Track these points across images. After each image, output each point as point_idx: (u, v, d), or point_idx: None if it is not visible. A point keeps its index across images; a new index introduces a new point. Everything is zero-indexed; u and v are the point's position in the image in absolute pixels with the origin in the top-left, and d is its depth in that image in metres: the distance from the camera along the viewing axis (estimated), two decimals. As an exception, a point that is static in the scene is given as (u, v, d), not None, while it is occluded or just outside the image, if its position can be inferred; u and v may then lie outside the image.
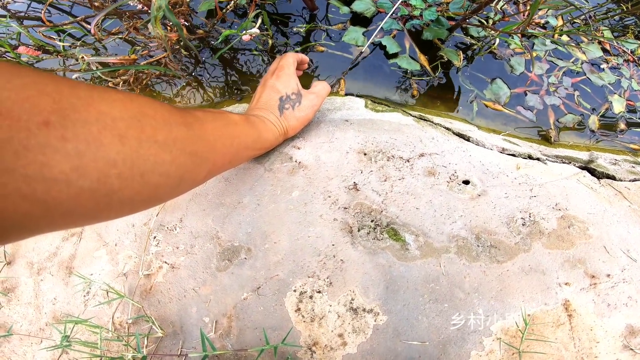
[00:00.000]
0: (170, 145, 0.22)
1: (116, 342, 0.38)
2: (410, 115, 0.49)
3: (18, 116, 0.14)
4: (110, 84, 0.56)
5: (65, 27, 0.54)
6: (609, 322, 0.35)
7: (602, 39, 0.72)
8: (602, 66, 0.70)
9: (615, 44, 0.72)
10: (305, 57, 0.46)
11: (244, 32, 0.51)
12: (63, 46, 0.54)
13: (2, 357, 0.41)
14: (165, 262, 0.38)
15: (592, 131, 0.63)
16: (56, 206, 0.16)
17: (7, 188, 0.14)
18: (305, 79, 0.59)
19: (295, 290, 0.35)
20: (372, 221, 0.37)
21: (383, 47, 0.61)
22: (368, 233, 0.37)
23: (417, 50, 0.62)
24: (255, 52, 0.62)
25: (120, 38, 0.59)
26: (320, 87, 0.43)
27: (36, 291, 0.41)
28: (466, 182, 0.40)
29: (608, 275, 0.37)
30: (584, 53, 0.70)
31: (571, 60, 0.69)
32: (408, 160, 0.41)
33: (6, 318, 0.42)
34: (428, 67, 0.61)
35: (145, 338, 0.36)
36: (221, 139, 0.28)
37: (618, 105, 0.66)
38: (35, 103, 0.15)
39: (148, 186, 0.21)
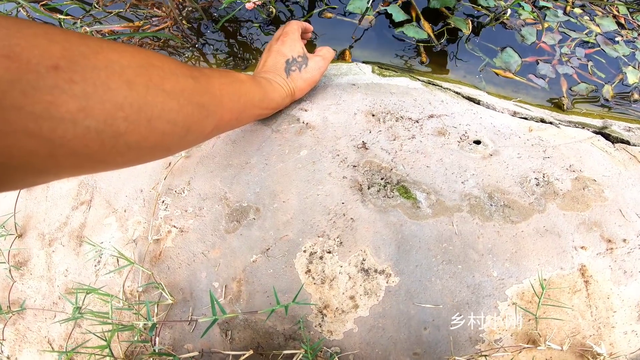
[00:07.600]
0: (178, 94, 0.22)
1: (127, 311, 0.38)
2: (419, 80, 0.48)
3: (27, 60, 0.15)
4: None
5: (65, 2, 0.53)
6: (625, 290, 0.34)
7: (616, 13, 0.70)
8: (616, 39, 0.68)
9: (631, 18, 0.70)
10: (309, 26, 0.46)
11: (247, -1, 0.50)
12: (63, 20, 0.53)
13: (17, 335, 0.41)
14: (174, 226, 0.37)
15: (606, 99, 0.61)
16: (62, 145, 0.17)
17: (14, 125, 0.15)
18: (309, 48, 0.58)
19: (305, 251, 0.34)
20: (382, 179, 0.36)
21: (389, 16, 0.59)
22: (378, 191, 0.36)
23: (422, 18, 0.60)
24: (256, 25, 0.61)
25: (122, 11, 0.59)
26: (325, 50, 0.43)
27: (48, 263, 0.41)
28: (477, 142, 0.39)
29: (624, 240, 0.36)
30: (597, 26, 0.68)
31: (584, 32, 0.67)
32: (417, 121, 0.40)
33: (19, 293, 0.42)
34: (432, 35, 0.59)
35: (156, 306, 0.36)
36: (228, 95, 0.29)
37: (632, 76, 0.65)
38: (45, 49, 0.16)
39: (155, 132, 0.21)
